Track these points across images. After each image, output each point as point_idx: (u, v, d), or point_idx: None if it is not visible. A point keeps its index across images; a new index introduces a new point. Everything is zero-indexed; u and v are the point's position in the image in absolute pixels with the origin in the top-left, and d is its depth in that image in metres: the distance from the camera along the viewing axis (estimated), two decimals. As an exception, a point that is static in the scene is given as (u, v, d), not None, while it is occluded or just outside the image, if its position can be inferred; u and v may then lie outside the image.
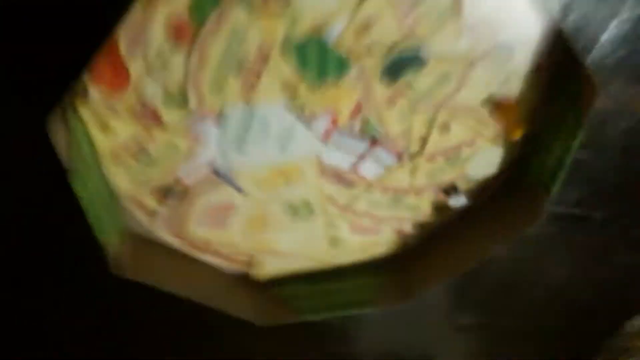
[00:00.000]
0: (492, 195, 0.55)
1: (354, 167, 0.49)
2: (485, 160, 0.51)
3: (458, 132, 0.48)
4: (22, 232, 0.48)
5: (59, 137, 0.34)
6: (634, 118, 0.51)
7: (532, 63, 0.44)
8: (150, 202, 0.48)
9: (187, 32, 0.37)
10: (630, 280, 0.72)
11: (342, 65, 0.41)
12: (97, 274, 0.45)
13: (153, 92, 0.40)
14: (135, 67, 0.38)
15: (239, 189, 0.49)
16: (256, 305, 0.56)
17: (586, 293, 0.74)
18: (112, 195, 0.46)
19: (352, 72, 0.42)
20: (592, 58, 0.45)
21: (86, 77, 0.37)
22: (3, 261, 0.50)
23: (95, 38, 0.30)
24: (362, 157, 0.49)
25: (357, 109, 0.45)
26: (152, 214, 0.49)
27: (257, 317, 0.54)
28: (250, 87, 0.41)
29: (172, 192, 0.48)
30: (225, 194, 0.49)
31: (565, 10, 0.41)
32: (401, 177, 0.51)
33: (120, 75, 0.38)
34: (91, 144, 0.42)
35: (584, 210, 0.61)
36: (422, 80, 0.44)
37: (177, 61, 0.38)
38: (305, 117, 0.44)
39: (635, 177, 0.57)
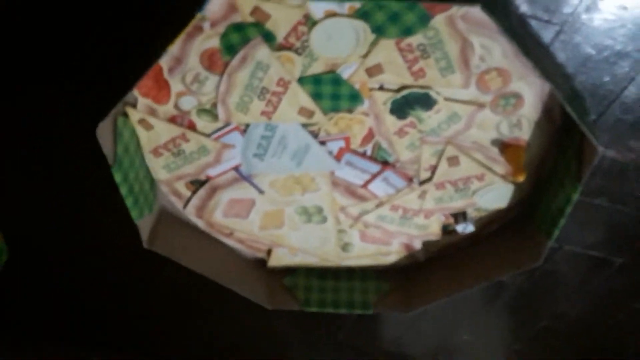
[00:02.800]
0: (499, 228, 0.60)
1: (365, 185, 0.57)
2: (494, 194, 0.56)
3: (467, 165, 0.54)
4: (69, 214, 0.61)
5: (105, 139, 0.45)
6: (656, 173, 0.53)
7: (542, 112, 0.48)
8: (184, 190, 0.59)
9: (218, 63, 0.46)
10: (650, 328, 0.74)
11: (354, 99, 0.48)
12: (131, 248, 0.57)
13: (189, 105, 0.50)
14: (175, 86, 0.48)
15: (259, 189, 0.58)
16: (269, 291, 0.66)
17: (599, 334, 0.77)
18: (152, 182, 0.57)
19: (364, 105, 0.49)
20: (611, 114, 0.49)
21: (136, 92, 0.48)
22: (52, 239, 0.64)
23: (142, 64, 0.40)
24: (373, 177, 0.56)
25: (370, 136, 0.52)
26: (185, 201, 0.60)
27: (268, 301, 0.65)
28: (271, 109, 0.50)
29: (202, 185, 0.58)
30: (246, 191, 0.58)
31: (577, 71, 0.45)
32: (410, 199, 0.58)
33: (163, 91, 0.48)
34: (137, 141, 0.53)
35: (601, 253, 0.64)
36: (431, 117, 0.49)
37: (210, 84, 0.48)
38: (320, 138, 0.52)
39: (657, 229, 0.59)
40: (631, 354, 0.80)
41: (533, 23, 0.42)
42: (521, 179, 0.50)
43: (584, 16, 0.41)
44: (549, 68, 0.43)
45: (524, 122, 0.49)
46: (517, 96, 0.47)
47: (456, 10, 0.40)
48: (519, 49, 0.37)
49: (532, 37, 0.42)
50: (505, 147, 0.51)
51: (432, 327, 0.83)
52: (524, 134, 0.50)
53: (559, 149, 0.51)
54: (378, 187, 0.57)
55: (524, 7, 0.40)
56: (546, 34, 0.42)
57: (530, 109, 0.48)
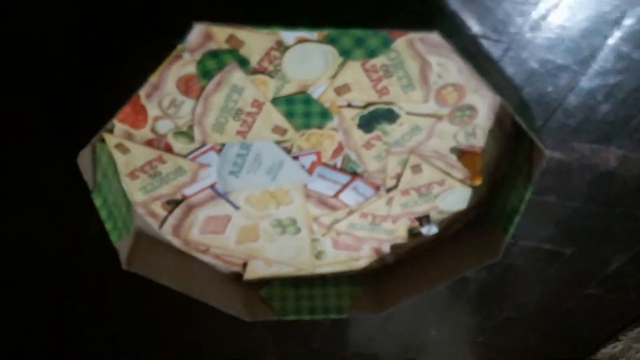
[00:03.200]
0: (461, 228, 0.65)
1: (336, 195, 0.60)
2: (455, 197, 0.61)
3: (429, 172, 0.58)
4: (49, 239, 0.61)
5: (85, 166, 0.46)
6: (596, 171, 0.59)
7: (494, 121, 0.53)
8: (160, 211, 0.60)
9: (195, 87, 0.48)
10: (598, 311, 0.81)
11: (324, 116, 0.52)
12: (110, 271, 0.58)
13: (166, 128, 0.51)
14: (152, 110, 0.49)
15: (234, 206, 0.60)
16: (246, 303, 0.68)
17: (556, 320, 0.83)
18: (128, 205, 0.58)
19: (334, 121, 0.52)
20: (556, 120, 0.54)
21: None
22: (31, 263, 0.63)
23: (123, 94, 0.42)
24: (343, 187, 0.59)
25: (339, 149, 0.55)
26: (161, 221, 0.61)
27: (245, 313, 0.66)
28: (246, 129, 0.52)
29: (178, 204, 0.59)
30: (222, 208, 0.60)
31: (524, 83, 0.50)
32: (378, 206, 0.61)
33: (140, 116, 0.50)
34: (114, 164, 0.54)
35: (553, 245, 0.70)
36: (395, 129, 0.53)
37: (186, 108, 0.49)
38: (293, 153, 0.55)
39: (600, 220, 0.66)
40: (584, 335, 0.86)
41: (484, 42, 0.46)
42: (478, 182, 0.54)
43: (528, 35, 0.46)
44: (499, 82, 0.48)
45: (478, 131, 0.53)
46: (472, 108, 0.51)
47: (415, 34, 0.44)
48: (472, 68, 0.41)
49: (483, 55, 0.47)
50: (462, 154, 0.56)
51: (401, 326, 0.87)
52: (479, 141, 0.54)
53: (510, 154, 0.56)
54: (348, 197, 0.60)
55: (475, 28, 0.45)
56: (495, 51, 0.47)
57: (483, 119, 0.52)
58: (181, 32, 0.37)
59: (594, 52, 0.48)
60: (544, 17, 0.46)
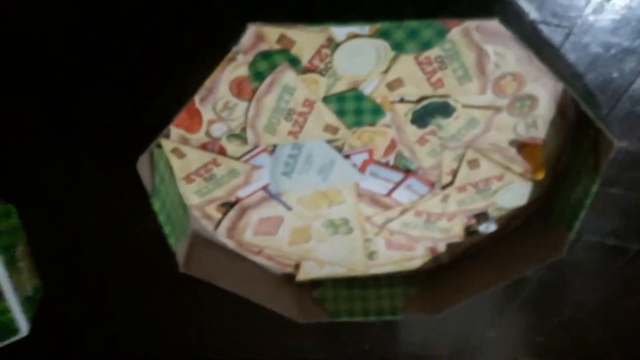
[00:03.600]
0: (521, 225, 0.62)
1: (389, 193, 0.59)
2: (514, 192, 0.58)
3: (487, 167, 0.56)
4: (109, 242, 0.63)
5: (144, 171, 0.47)
6: (667, 160, 0.56)
7: (556, 111, 0.50)
8: (215, 213, 0.61)
9: (247, 89, 0.48)
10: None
11: (376, 112, 0.51)
12: (167, 273, 0.59)
13: (219, 131, 0.52)
14: (206, 114, 0.50)
15: (287, 206, 0.60)
16: (299, 304, 0.67)
17: (620, 320, 0.78)
18: (184, 208, 0.59)
19: (386, 117, 0.51)
20: (622, 107, 0.51)
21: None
22: (94, 265, 0.65)
23: (180, 99, 0.42)
24: (397, 185, 0.58)
25: (392, 146, 0.54)
26: (216, 223, 0.62)
27: (299, 315, 0.66)
28: (298, 129, 0.52)
29: (232, 206, 0.60)
30: (275, 209, 0.60)
31: (588, 69, 0.47)
32: (433, 204, 0.60)
33: (194, 120, 0.50)
34: (170, 169, 0.55)
35: (618, 240, 0.66)
36: (451, 123, 0.52)
37: (239, 110, 0.50)
38: (345, 152, 0.54)
39: (672, 213, 0.61)
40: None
41: (543, 28, 0.44)
42: (541, 176, 0.52)
43: (591, 18, 0.44)
44: (561, 69, 0.45)
45: (539, 121, 0.51)
46: (532, 98, 0.49)
47: (472, 23, 0.42)
48: (533, 55, 0.39)
49: (543, 41, 0.45)
50: (523, 146, 0.53)
51: (456, 327, 0.85)
52: (540, 132, 0.52)
53: (574, 145, 0.53)
54: (402, 195, 0.59)
55: (534, 14, 0.43)
56: (556, 37, 0.45)
57: (544, 108, 0.50)
58: (235, 34, 0.37)
59: (666, 32, 0.45)
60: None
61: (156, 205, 0.50)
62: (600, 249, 0.67)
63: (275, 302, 0.65)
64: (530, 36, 0.43)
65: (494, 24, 0.38)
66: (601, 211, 0.61)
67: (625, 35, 0.45)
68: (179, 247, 0.57)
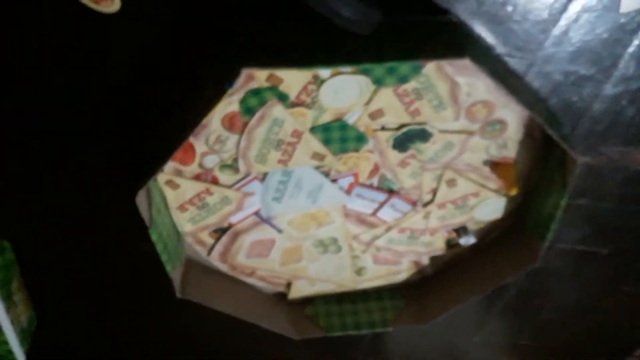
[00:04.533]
0: (498, 237, 0.66)
1: (375, 213, 0.63)
2: (490, 207, 0.63)
3: (464, 185, 0.60)
4: (109, 271, 0.65)
5: (142, 204, 0.50)
6: (626, 172, 0.61)
7: (524, 133, 0.55)
8: (208, 239, 0.64)
9: (238, 123, 0.51)
10: (637, 308, 0.81)
11: (360, 140, 0.54)
12: (166, 299, 0.61)
13: (212, 163, 0.55)
14: (199, 148, 0.53)
15: (278, 229, 0.63)
16: (292, 321, 0.70)
17: (595, 320, 0.84)
18: (178, 235, 0.61)
19: (369, 144, 0.55)
20: (582, 127, 0.56)
21: (164, 156, 0.52)
22: (95, 293, 0.67)
23: (176, 137, 0.45)
24: (381, 205, 0.62)
25: (375, 169, 0.58)
26: (209, 248, 0.64)
27: (293, 332, 0.69)
28: (287, 158, 0.55)
29: (225, 232, 0.63)
30: (267, 232, 0.63)
31: (550, 95, 0.52)
32: (416, 220, 0.64)
33: (188, 154, 0.53)
34: (164, 199, 0.57)
35: (588, 246, 0.71)
36: (429, 147, 0.56)
37: (231, 142, 0.53)
38: (332, 176, 0.58)
39: (633, 220, 0.67)
40: (624, 333, 0.87)
41: (509, 60, 0.49)
42: (514, 192, 0.56)
43: (551, 50, 0.49)
44: (525, 96, 0.50)
45: (509, 143, 0.56)
46: (502, 122, 0.54)
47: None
48: (500, 86, 0.44)
49: (509, 72, 0.49)
50: (496, 165, 0.58)
51: (443, 334, 0.89)
52: (511, 152, 0.57)
53: (543, 162, 0.58)
54: (386, 213, 0.63)
55: (500, 49, 0.48)
56: (520, 67, 0.50)
57: (513, 131, 0.55)
58: (230, 78, 0.40)
59: (615, 61, 0.50)
60: (565, 33, 0.48)
61: (154, 236, 0.53)
62: (572, 255, 0.72)
63: (270, 320, 0.68)
64: (497, 68, 0.47)
65: (464, 61, 0.42)
66: (571, 221, 0.66)
67: (582, 64, 0.50)
68: (175, 273, 0.59)
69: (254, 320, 0.66)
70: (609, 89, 0.53)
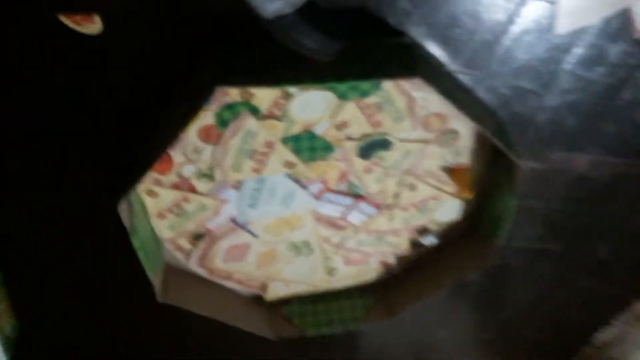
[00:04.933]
0: (457, 237, 0.72)
1: (343, 216, 0.67)
2: (448, 210, 0.68)
3: (424, 189, 0.65)
4: (92, 278, 0.68)
5: (124, 213, 0.53)
6: (569, 176, 0.67)
7: (476, 141, 0.61)
8: (186, 245, 0.67)
9: (214, 134, 0.56)
10: (590, 300, 0.88)
11: (327, 149, 0.59)
12: (147, 303, 0.65)
13: (189, 172, 0.59)
14: (177, 158, 0.57)
15: (253, 234, 0.67)
16: (269, 322, 0.74)
17: (553, 313, 0.90)
18: (157, 242, 0.65)
19: (336, 152, 0.60)
20: (529, 135, 0.62)
21: (144, 167, 0.56)
22: (76, 296, 0.70)
23: (156, 150, 0.49)
24: (349, 209, 0.67)
25: (342, 176, 0.63)
26: (186, 253, 0.68)
27: (269, 332, 0.73)
28: (260, 166, 0.59)
29: (202, 237, 0.67)
30: (242, 237, 0.67)
31: (498, 107, 0.58)
32: (381, 222, 0.69)
33: (166, 164, 0.57)
34: (144, 207, 0.61)
35: (541, 244, 0.77)
36: (390, 155, 0.61)
37: (207, 153, 0.57)
38: (303, 183, 0.62)
39: (580, 218, 0.73)
40: (580, 324, 0.93)
41: (460, 76, 0.54)
42: (469, 195, 0.62)
43: (496, 67, 0.54)
44: (475, 109, 0.56)
45: (463, 150, 0.61)
46: (455, 132, 0.59)
47: (400, 76, 0.52)
48: (450, 102, 0.49)
49: (460, 87, 0.55)
50: (452, 171, 0.63)
51: (409, 331, 0.94)
52: (465, 159, 0.62)
53: (494, 168, 0.63)
54: (354, 217, 0.67)
55: (451, 66, 0.53)
56: (470, 83, 0.55)
57: (466, 140, 0.60)
58: (206, 96, 0.44)
59: (554, 76, 0.56)
60: (508, 52, 0.54)
61: (136, 242, 0.56)
62: (528, 253, 0.78)
63: (247, 322, 0.71)
64: (448, 84, 0.53)
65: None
66: (524, 221, 0.72)
67: (524, 79, 0.56)
68: (155, 279, 0.63)
69: (232, 322, 0.70)
70: (550, 101, 0.59)
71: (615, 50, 0.55)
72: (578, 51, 0.54)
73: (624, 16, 0.52)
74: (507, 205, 0.61)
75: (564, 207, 0.71)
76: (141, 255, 0.58)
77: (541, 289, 0.86)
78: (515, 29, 0.53)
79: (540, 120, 0.61)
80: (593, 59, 0.55)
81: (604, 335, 0.95)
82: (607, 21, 0.52)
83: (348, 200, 0.66)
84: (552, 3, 0.49)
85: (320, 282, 0.74)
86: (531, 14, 0.51)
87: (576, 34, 0.53)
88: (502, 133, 0.59)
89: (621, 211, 0.73)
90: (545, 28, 0.53)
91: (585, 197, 0.70)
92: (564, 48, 0.54)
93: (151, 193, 0.60)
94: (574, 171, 0.67)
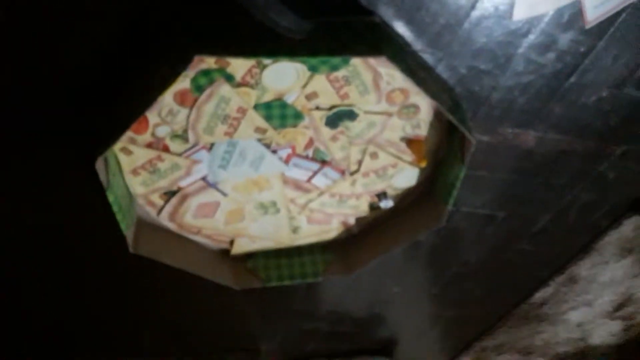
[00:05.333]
0: (412, 201, 0.78)
1: (309, 180, 0.72)
2: (406, 177, 0.74)
3: (384, 158, 0.70)
4: (67, 230, 0.71)
5: (100, 169, 0.56)
6: (518, 150, 0.74)
7: (434, 116, 0.65)
8: (158, 201, 0.70)
9: (189, 98, 0.58)
10: (530, 263, 0.97)
11: (297, 117, 0.63)
12: (120, 254, 0.68)
13: (164, 132, 0.61)
14: (152, 119, 0.59)
15: (223, 193, 0.71)
16: (235, 274, 0.80)
17: (496, 273, 0.99)
18: (130, 197, 0.68)
19: (305, 121, 0.64)
20: (483, 111, 0.67)
21: (120, 127, 0.58)
22: (52, 247, 0.73)
23: (135, 112, 0.52)
24: (315, 173, 0.71)
25: (310, 143, 0.67)
26: (158, 209, 0.71)
27: (235, 283, 0.78)
28: (232, 130, 0.63)
29: (174, 194, 0.70)
30: (212, 196, 0.71)
31: (456, 85, 0.63)
32: (344, 187, 0.74)
33: (142, 124, 0.60)
34: (118, 164, 0.64)
35: (488, 210, 0.84)
36: (355, 125, 0.65)
37: (181, 115, 0.60)
38: (272, 148, 0.66)
39: (524, 189, 0.81)
40: (520, 284, 1.03)
41: (423, 55, 0.58)
42: (423, 164, 0.67)
43: (457, 48, 0.59)
44: (434, 86, 0.60)
45: (422, 123, 0.66)
46: (415, 106, 0.64)
47: (368, 53, 0.55)
48: (410, 79, 0.53)
49: (422, 65, 0.59)
50: (410, 142, 0.68)
51: (367, 286, 1.01)
52: (423, 132, 0.67)
53: (448, 141, 0.69)
54: (319, 181, 0.72)
55: (416, 45, 0.57)
56: (432, 61, 0.59)
57: (425, 114, 0.65)
58: (182, 63, 0.47)
59: (509, 59, 0.61)
60: (468, 34, 0.58)
61: (110, 197, 0.59)
62: (475, 218, 0.85)
63: (214, 273, 0.76)
64: (411, 62, 0.57)
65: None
66: (473, 189, 0.79)
67: (482, 61, 0.61)
68: (128, 232, 0.66)
69: (199, 273, 0.75)
70: (504, 82, 0.64)
71: (565, 38, 0.60)
72: (532, 37, 0.59)
73: (576, 7, 0.57)
74: (458, 175, 0.67)
75: (510, 178, 0.78)
76: (115, 209, 0.61)
77: (486, 250, 0.95)
78: (476, 13, 0.57)
79: (494, 99, 0.66)
80: (545, 45, 0.60)
81: (540, 293, 1.06)
82: (560, 11, 0.57)
83: (315, 165, 0.70)
84: (509, -7, 0.53)
85: (284, 239, 0.80)
86: (492, 0, 0.55)
87: (531, 22, 0.57)
88: (457, 109, 0.64)
89: (562, 185, 0.81)
90: (503, 15, 0.57)
91: (531, 170, 0.77)
92: (519, 34, 0.59)
93: (126, 151, 0.63)
94: (521, 146, 0.73)
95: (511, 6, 0.56)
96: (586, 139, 0.72)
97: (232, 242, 0.79)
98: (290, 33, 0.43)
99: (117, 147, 0.62)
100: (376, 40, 0.51)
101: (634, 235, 0.95)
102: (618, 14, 0.58)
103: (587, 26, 0.57)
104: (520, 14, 0.57)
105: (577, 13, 0.57)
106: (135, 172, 0.65)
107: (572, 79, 0.64)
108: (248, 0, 0.38)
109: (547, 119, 0.69)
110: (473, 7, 0.56)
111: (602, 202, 0.85)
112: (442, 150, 0.71)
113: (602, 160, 0.76)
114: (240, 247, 0.80)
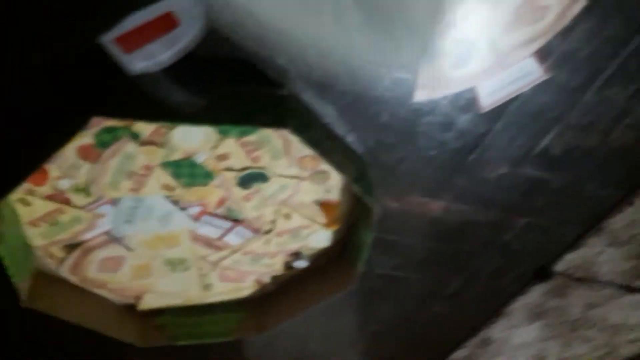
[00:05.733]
0: (327, 261, 0.79)
1: (221, 237, 0.71)
2: (319, 237, 0.74)
3: (298, 219, 0.71)
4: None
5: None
6: (426, 217, 0.77)
7: (345, 182, 0.67)
8: (59, 253, 0.67)
9: (93, 154, 0.57)
10: (444, 324, 1.00)
11: (207, 176, 0.63)
12: (10, 308, 0.64)
13: (65, 185, 0.60)
14: (53, 172, 0.57)
15: (128, 248, 0.69)
16: (140, 331, 0.76)
17: (412, 332, 1.01)
18: (28, 248, 0.65)
19: (216, 180, 0.64)
20: (392, 180, 0.70)
21: (15, 178, 0.56)
22: None
23: (32, 166, 0.50)
24: (227, 231, 0.71)
25: (222, 201, 0.67)
26: (59, 261, 0.68)
27: (138, 340, 0.75)
28: (138, 187, 0.61)
29: (76, 247, 0.67)
30: (117, 250, 0.69)
31: (366, 156, 0.65)
32: (258, 245, 0.73)
33: (41, 176, 0.58)
34: (15, 215, 0.61)
35: (401, 272, 0.86)
36: (268, 187, 0.66)
37: (84, 169, 0.58)
38: (182, 205, 0.65)
39: (434, 253, 0.83)
40: (436, 344, 1.05)
41: (332, 126, 0.60)
42: (335, 227, 0.69)
43: (365, 122, 0.61)
44: (339, 156, 0.62)
45: (333, 188, 0.68)
46: (326, 172, 0.65)
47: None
48: (316, 152, 0.55)
49: (330, 137, 0.61)
50: (323, 205, 0.70)
51: (285, 344, 1.00)
52: (335, 196, 0.69)
53: (358, 205, 0.71)
54: (232, 239, 0.71)
55: (325, 117, 0.59)
56: (342, 132, 0.62)
57: (336, 180, 0.67)
58: (81, 123, 0.46)
59: (413, 135, 0.64)
60: (376, 110, 0.61)
61: (1, 249, 0.56)
62: (389, 279, 0.87)
63: (117, 329, 0.73)
64: (319, 134, 0.59)
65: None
66: (385, 251, 0.81)
67: (387, 134, 0.64)
68: (23, 284, 0.62)
69: (99, 329, 0.71)
70: (410, 155, 0.67)
71: (464, 119, 0.64)
72: (432, 117, 0.62)
73: (472, 92, 0.61)
74: (366, 239, 0.68)
75: (421, 243, 0.81)
76: (7, 261, 0.58)
77: (402, 310, 0.96)
78: (383, 92, 0.60)
79: (401, 169, 0.69)
80: (445, 125, 0.64)
81: (456, 354, 1.08)
82: (458, 95, 0.61)
83: (227, 224, 0.69)
84: (409, 78, 0.57)
85: (194, 297, 0.78)
86: (396, 82, 0.59)
87: (431, 103, 0.61)
88: (362, 178, 0.66)
89: (470, 251, 0.84)
90: (405, 96, 0.60)
91: (440, 236, 0.80)
92: (420, 113, 0.62)
93: (24, 202, 0.60)
94: (430, 214, 0.76)
95: (413, 88, 0.60)
96: (490, 211, 0.76)
97: (138, 297, 0.77)
98: (182, 106, 0.43)
99: (13, 197, 0.59)
100: (281, 112, 0.53)
101: (542, 301, 1.00)
102: (512, 100, 0.63)
103: (482, 111, 0.62)
104: (421, 95, 0.61)
105: (474, 97, 0.62)
106: (34, 223, 0.63)
107: (473, 156, 0.68)
108: (138, 77, 0.38)
109: (452, 190, 0.73)
110: (379, 86, 0.59)
111: (509, 269, 0.89)
112: (355, 213, 0.73)
113: (507, 230, 0.81)
114: (148, 302, 0.77)
